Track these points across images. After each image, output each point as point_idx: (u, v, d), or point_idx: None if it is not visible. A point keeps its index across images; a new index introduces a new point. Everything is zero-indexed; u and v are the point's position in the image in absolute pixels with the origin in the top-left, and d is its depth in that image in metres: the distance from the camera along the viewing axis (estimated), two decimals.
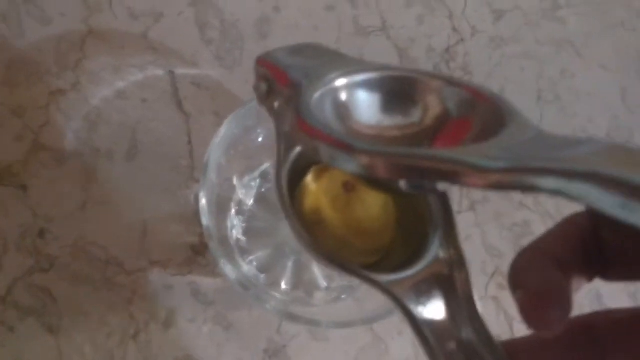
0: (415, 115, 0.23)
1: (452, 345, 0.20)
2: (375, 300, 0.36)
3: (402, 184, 0.21)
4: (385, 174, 0.18)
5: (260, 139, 0.37)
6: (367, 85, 0.23)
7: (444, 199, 0.24)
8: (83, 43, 0.40)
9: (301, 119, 0.21)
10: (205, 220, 0.30)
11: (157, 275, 0.36)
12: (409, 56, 0.47)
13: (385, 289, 0.21)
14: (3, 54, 0.39)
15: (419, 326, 0.20)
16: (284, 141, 0.24)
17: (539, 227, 0.43)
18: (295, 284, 0.36)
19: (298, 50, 0.26)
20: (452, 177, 0.17)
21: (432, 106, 0.23)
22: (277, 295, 0.36)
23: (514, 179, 0.15)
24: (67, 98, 0.39)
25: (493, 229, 0.44)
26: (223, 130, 0.32)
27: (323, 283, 0.37)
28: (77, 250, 0.36)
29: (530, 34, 0.51)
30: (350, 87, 0.23)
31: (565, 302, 0.17)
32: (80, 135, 0.38)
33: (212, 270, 0.37)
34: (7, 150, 0.37)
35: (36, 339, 0.34)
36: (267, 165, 0.39)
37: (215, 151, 0.31)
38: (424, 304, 0.21)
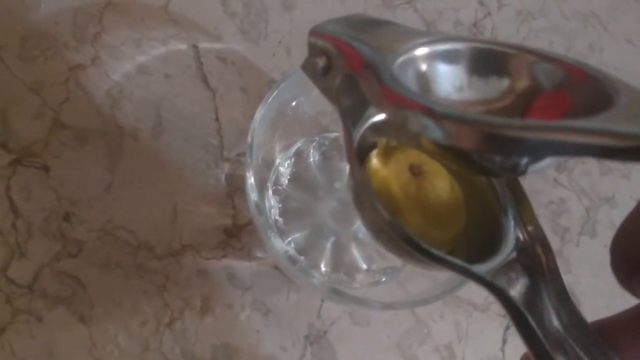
0: (502, 89, 0.21)
1: (550, 328, 0.19)
2: (418, 283, 0.34)
3: (482, 161, 0.19)
4: (483, 146, 0.17)
5: (295, 118, 0.35)
6: (450, 56, 0.21)
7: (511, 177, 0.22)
8: (101, 15, 0.38)
9: (386, 88, 0.19)
10: (254, 196, 0.28)
11: (190, 260, 0.34)
12: (436, 29, 0.45)
13: (485, 281, 0.20)
14: (18, 27, 0.36)
15: (520, 314, 0.19)
16: (350, 119, 0.22)
17: (575, 205, 0.42)
18: (335, 266, 0.35)
19: (350, 21, 0.24)
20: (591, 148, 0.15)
21: (521, 81, 0.21)
22: (319, 277, 0.34)
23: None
24: (87, 73, 0.37)
25: None
26: (263, 110, 0.30)
27: (363, 265, 0.35)
28: (105, 235, 0.34)
29: (555, 7, 0.49)
30: (431, 58, 0.21)
31: None
32: (102, 113, 0.36)
33: (247, 253, 0.35)
34: (26, 129, 0.35)
35: (67, 329, 0.32)
36: (301, 144, 0.37)
37: (258, 130, 0.29)
38: (515, 289, 0.20)
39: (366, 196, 0.21)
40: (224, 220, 0.35)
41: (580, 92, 0.19)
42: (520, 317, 0.18)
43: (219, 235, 0.35)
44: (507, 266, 0.21)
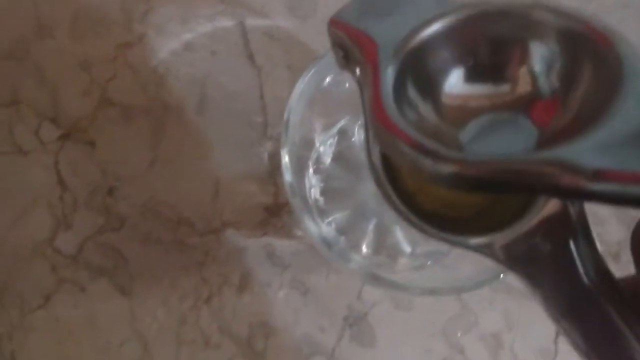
0: (513, 63, 0.20)
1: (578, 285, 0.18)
2: (465, 268, 0.33)
3: None
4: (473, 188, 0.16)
5: (337, 95, 0.34)
6: (446, 35, 0.19)
7: None
8: None
9: (379, 106, 0.18)
10: (288, 176, 0.27)
11: (230, 237, 0.34)
12: None
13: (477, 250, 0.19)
14: (68, 5, 0.37)
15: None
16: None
17: None
18: (377, 248, 0.34)
19: (368, 0, 0.22)
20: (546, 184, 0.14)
21: (532, 53, 0.19)
22: (359, 259, 0.33)
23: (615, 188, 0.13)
24: (134, 51, 0.37)
25: None
26: (301, 86, 0.29)
27: (407, 248, 0.34)
28: (147, 210, 0.34)
29: None
30: (427, 44, 0.19)
31: None
32: (148, 90, 0.36)
33: (288, 232, 0.34)
34: (74, 105, 0.35)
35: (108, 300, 0.32)
36: (345, 122, 0.36)
37: (295, 107, 0.29)
38: (540, 253, 0.19)
39: (382, 186, 0.21)
40: (265, 198, 0.35)
41: (598, 68, 0.17)
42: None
43: (259, 213, 0.35)
44: (530, 233, 0.19)
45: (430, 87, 0.20)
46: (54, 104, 0.35)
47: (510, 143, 0.19)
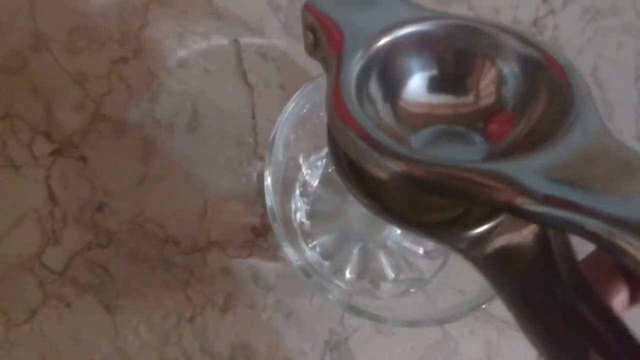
0: (471, 85, 0.20)
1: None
2: (446, 296, 0.33)
3: None
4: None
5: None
6: (417, 39, 0.20)
7: None
8: (147, 9, 0.38)
9: (337, 94, 0.18)
10: (270, 200, 0.27)
11: (216, 257, 0.34)
12: None
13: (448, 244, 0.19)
14: (66, 20, 0.37)
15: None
16: None
17: None
18: (361, 273, 0.34)
19: None
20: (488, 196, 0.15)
21: (494, 71, 0.20)
22: (341, 284, 0.33)
23: (554, 212, 0.14)
24: (129, 66, 0.37)
25: None
26: (291, 106, 0.29)
27: (390, 274, 0.34)
28: (135, 227, 0.34)
29: (629, 4, 0.45)
30: (395, 44, 0.20)
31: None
32: (141, 106, 0.37)
33: (273, 253, 0.35)
34: (68, 120, 0.36)
35: (93, 317, 0.33)
36: None
37: (282, 128, 0.29)
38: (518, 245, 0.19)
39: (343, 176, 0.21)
40: (252, 219, 0.35)
41: (550, 92, 0.18)
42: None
43: (246, 234, 0.35)
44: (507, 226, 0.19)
45: (391, 88, 0.20)
46: (48, 118, 0.36)
47: (459, 154, 0.19)
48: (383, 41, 0.20)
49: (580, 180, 0.14)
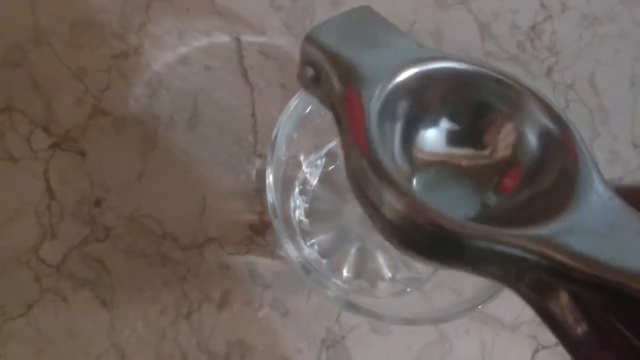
0: (490, 133, 0.20)
1: None
2: (443, 296, 0.33)
3: None
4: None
5: (328, 116, 0.34)
6: (443, 79, 0.20)
7: None
8: (148, 5, 0.38)
9: (363, 132, 0.18)
10: (271, 197, 0.27)
11: (213, 253, 0.34)
12: (490, 32, 0.43)
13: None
14: (67, 14, 0.37)
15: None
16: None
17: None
18: (358, 272, 0.34)
19: (349, 24, 0.21)
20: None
21: (513, 129, 0.19)
22: (339, 282, 0.33)
23: None
24: (129, 62, 0.37)
25: None
26: (294, 104, 0.29)
27: (388, 273, 0.34)
28: (133, 222, 0.34)
29: (626, 12, 0.46)
30: (421, 82, 0.19)
31: None
32: (140, 102, 0.36)
33: (271, 251, 0.35)
34: (67, 114, 0.36)
35: (89, 311, 0.32)
36: (334, 144, 0.36)
37: (285, 126, 0.29)
38: None
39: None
40: (250, 216, 0.35)
41: (558, 162, 0.18)
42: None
43: (244, 231, 0.35)
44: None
45: (406, 128, 0.20)
46: (47, 112, 0.36)
47: (454, 203, 0.19)
48: (408, 76, 0.19)
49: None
